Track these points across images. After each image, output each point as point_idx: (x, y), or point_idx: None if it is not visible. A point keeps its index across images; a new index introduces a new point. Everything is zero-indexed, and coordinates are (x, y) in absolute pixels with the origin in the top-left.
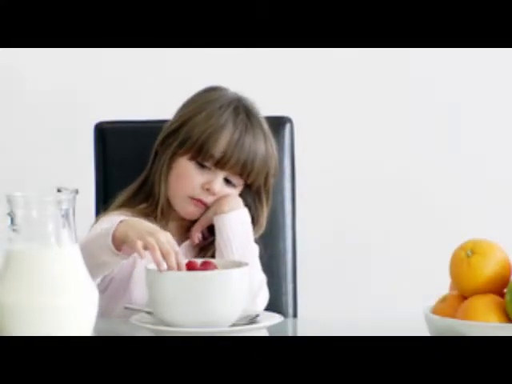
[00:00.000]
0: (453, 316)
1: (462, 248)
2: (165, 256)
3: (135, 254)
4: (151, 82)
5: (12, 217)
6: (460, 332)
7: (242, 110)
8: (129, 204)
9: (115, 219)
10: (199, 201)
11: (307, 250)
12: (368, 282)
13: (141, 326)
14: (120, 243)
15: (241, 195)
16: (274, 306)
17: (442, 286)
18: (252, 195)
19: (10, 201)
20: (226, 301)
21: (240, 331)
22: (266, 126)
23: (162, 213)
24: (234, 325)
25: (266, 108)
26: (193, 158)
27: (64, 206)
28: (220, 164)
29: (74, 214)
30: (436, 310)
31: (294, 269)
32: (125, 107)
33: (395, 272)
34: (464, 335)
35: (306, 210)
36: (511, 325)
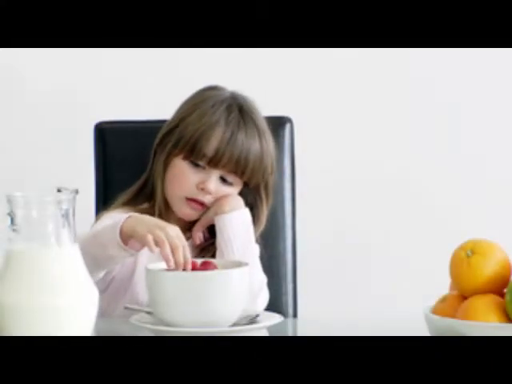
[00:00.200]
0: (453, 316)
1: (462, 248)
2: (173, 251)
3: (139, 252)
4: (151, 81)
5: (12, 217)
6: (460, 332)
7: (236, 107)
8: (130, 204)
9: (118, 216)
10: (195, 201)
11: (307, 250)
12: (368, 282)
13: (141, 326)
14: (127, 238)
15: (241, 194)
16: (274, 306)
17: (442, 285)
18: (251, 194)
19: (9, 201)
20: (226, 301)
21: (240, 331)
22: (262, 123)
23: (160, 214)
24: (234, 325)
25: (265, 108)
26: (187, 158)
27: (64, 206)
28: (213, 162)
29: (73, 214)
30: (436, 310)
31: (294, 269)
32: (125, 107)
33: (395, 272)
34: (464, 335)
35: (306, 210)
36: (511, 325)
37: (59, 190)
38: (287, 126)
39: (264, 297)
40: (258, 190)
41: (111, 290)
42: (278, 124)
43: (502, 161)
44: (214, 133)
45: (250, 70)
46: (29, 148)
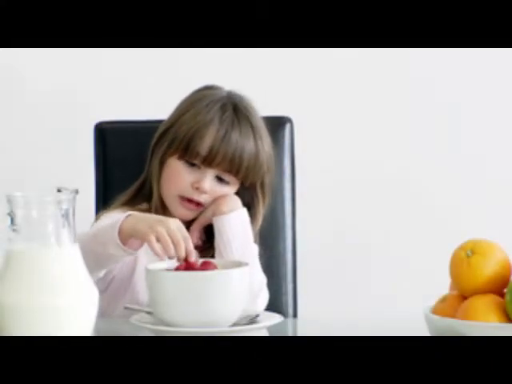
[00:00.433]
0: (453, 316)
1: (462, 248)
2: (175, 246)
3: (137, 252)
4: (151, 81)
5: (12, 217)
6: (460, 332)
7: (230, 106)
8: (129, 204)
9: (117, 215)
10: (191, 200)
11: (307, 250)
12: (368, 282)
13: (141, 326)
14: (127, 237)
15: (237, 193)
16: (274, 306)
17: (442, 285)
18: (248, 193)
19: (10, 201)
20: (226, 301)
21: (240, 331)
22: (257, 122)
23: (157, 214)
24: (234, 325)
25: (266, 108)
26: (181, 157)
27: (64, 206)
28: (207, 161)
29: (73, 214)
30: (436, 310)
31: (294, 269)
32: (125, 107)
33: (395, 272)
34: (464, 335)
35: (306, 210)
36: (511, 325)
37: (59, 190)
38: (287, 126)
39: (264, 297)
40: (254, 188)
41: (111, 290)
42: (278, 124)
43: (502, 161)
44: (207, 131)
45: (250, 70)
46: (29, 148)
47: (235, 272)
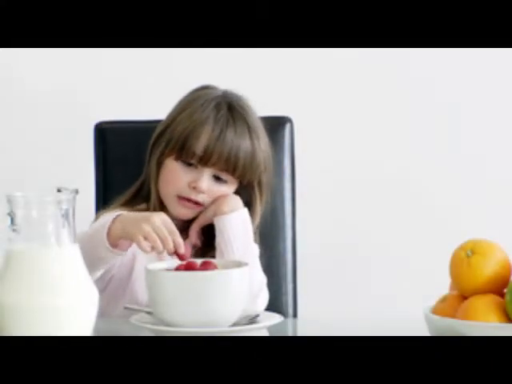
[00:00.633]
0: (453, 316)
1: (462, 248)
2: (162, 241)
3: (135, 252)
4: (151, 81)
5: (12, 217)
6: (460, 332)
7: (225, 105)
8: (128, 204)
9: (107, 217)
10: (188, 200)
11: (307, 250)
12: (368, 282)
13: (141, 326)
14: (117, 239)
15: (235, 192)
16: (274, 306)
17: (442, 285)
18: (246, 191)
19: (10, 201)
20: (226, 301)
21: (240, 331)
22: (253, 121)
23: None
24: (234, 325)
25: (266, 108)
26: (178, 158)
27: (64, 206)
28: (203, 160)
29: (73, 214)
30: (436, 310)
31: (294, 269)
32: (125, 107)
33: (395, 272)
34: (464, 335)
35: (306, 210)
36: (511, 325)
37: (59, 190)
38: (287, 126)
39: (264, 297)
40: (252, 187)
41: (110, 290)
42: (278, 124)
43: (502, 161)
44: (202, 131)
45: (249, 70)
46: (29, 148)
47: (235, 272)
